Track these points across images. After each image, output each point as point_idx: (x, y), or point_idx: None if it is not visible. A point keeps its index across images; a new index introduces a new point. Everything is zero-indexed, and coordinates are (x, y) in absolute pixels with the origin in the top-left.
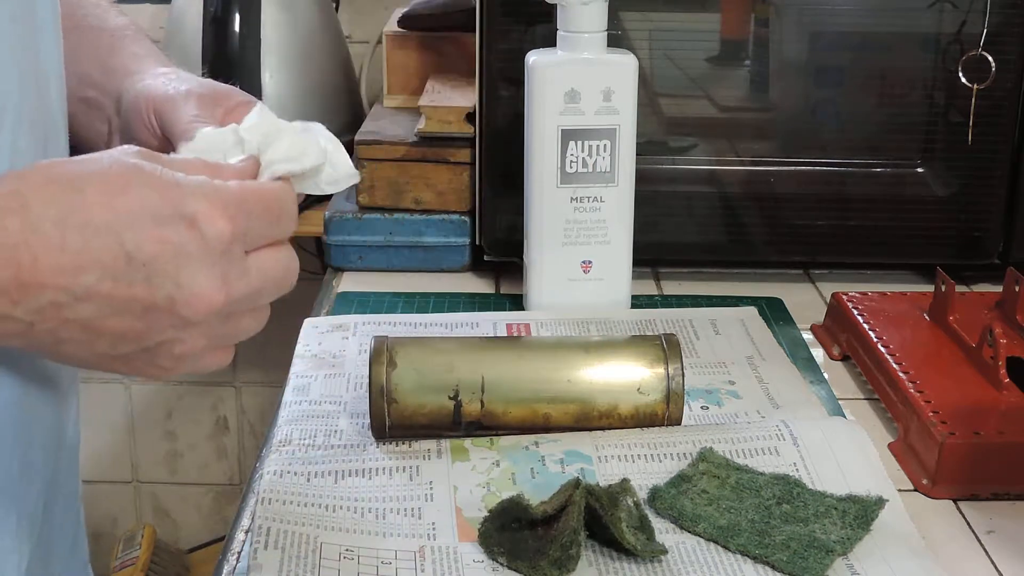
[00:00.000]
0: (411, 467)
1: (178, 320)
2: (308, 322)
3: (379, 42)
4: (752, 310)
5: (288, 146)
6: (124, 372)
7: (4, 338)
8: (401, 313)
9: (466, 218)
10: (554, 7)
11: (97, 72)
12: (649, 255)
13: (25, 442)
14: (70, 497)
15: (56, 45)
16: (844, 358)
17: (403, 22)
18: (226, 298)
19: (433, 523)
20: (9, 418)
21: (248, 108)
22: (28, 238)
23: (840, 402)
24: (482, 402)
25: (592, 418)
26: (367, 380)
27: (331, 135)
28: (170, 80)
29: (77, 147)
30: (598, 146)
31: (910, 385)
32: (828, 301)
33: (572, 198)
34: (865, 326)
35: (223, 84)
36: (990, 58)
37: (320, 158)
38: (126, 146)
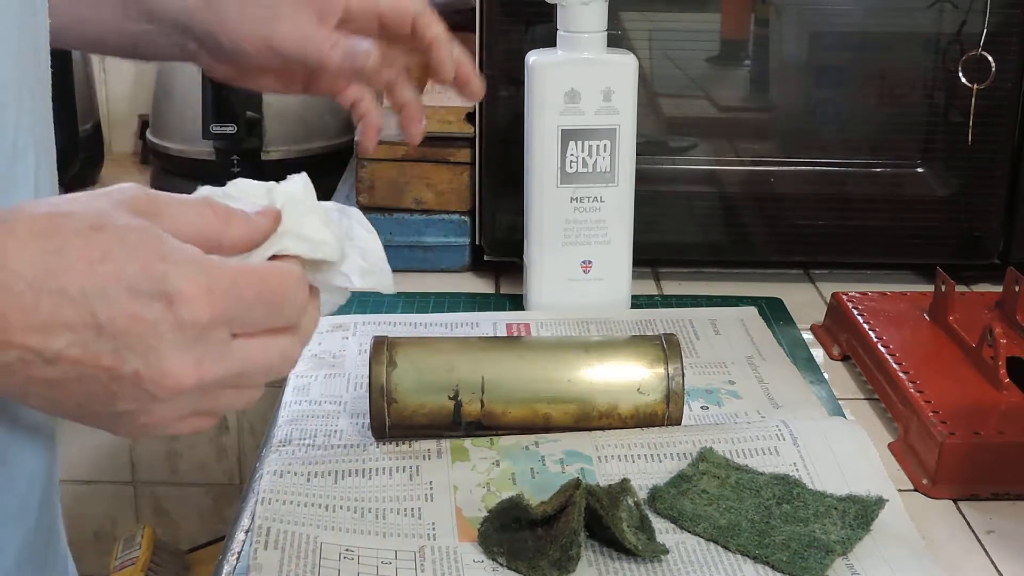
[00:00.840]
0: (411, 467)
1: (144, 395)
2: None
3: None
4: (752, 310)
5: (309, 228)
6: (92, 426)
7: None
8: (401, 313)
9: (466, 218)
10: (554, 7)
11: (133, 8)
12: (649, 255)
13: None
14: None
15: (46, 21)
16: (844, 358)
17: None
18: (197, 381)
19: (433, 523)
20: None
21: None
22: (1, 296)
23: (840, 402)
24: (482, 402)
25: (592, 418)
26: (367, 380)
27: (368, 224)
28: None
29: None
30: (598, 146)
31: (910, 385)
32: (828, 301)
33: (572, 198)
34: (865, 326)
35: None
36: (990, 58)
37: (336, 255)
38: (126, 189)
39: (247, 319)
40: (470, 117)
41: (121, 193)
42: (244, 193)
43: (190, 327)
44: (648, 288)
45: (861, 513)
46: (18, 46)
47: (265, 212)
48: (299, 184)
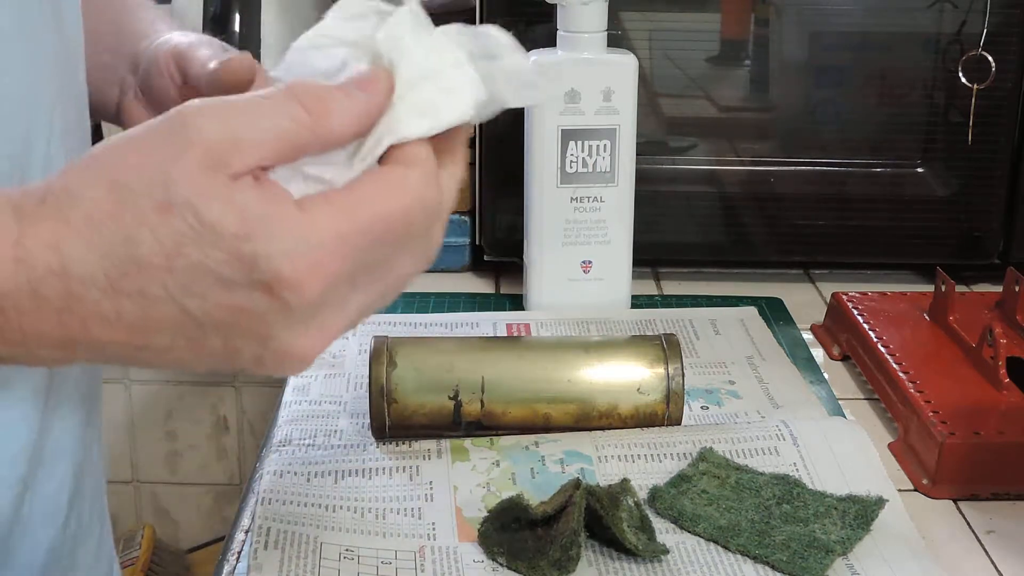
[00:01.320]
0: (411, 467)
1: (269, 368)
2: None
3: None
4: (752, 310)
5: (432, 87)
6: None
7: (54, 363)
8: (401, 313)
9: (466, 218)
10: (554, 7)
11: (110, 34)
12: (649, 255)
13: (48, 430)
14: (96, 491)
15: (80, 38)
16: (844, 358)
17: None
18: (325, 346)
19: (433, 523)
20: (33, 408)
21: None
22: (72, 305)
23: (840, 402)
24: (482, 402)
25: (592, 418)
26: (367, 380)
27: (510, 38)
28: (190, 36)
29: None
30: (598, 146)
31: (910, 385)
32: (828, 301)
33: (572, 198)
34: (865, 326)
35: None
36: (990, 58)
37: (471, 111)
38: (189, 125)
39: (370, 262)
40: None
41: (184, 135)
42: (340, 29)
43: (302, 309)
44: (648, 288)
45: (861, 513)
46: (55, 61)
47: (372, 82)
48: (406, 21)
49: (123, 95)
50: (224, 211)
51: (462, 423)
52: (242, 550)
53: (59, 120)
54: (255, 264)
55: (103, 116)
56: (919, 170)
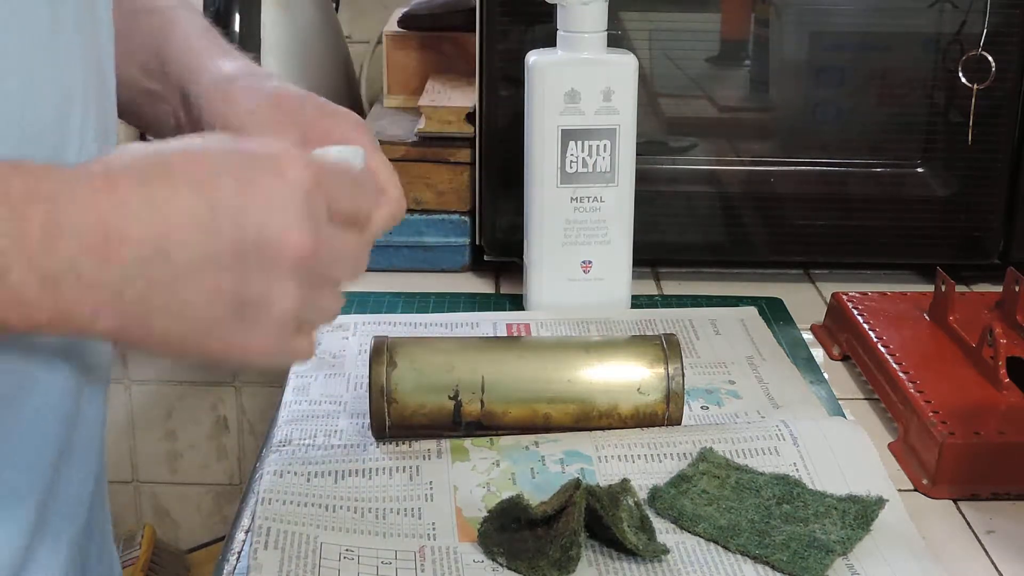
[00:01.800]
0: (411, 467)
1: (268, 265)
2: None
3: (379, 42)
4: (752, 310)
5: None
6: (221, 352)
7: (96, 315)
8: (401, 313)
9: (466, 218)
10: (554, 7)
11: (155, 63)
12: (649, 255)
13: (69, 431)
14: (102, 490)
15: (111, 38)
16: (844, 358)
17: (403, 22)
18: (314, 245)
19: (433, 523)
20: (63, 408)
21: (323, 124)
22: (117, 208)
23: (840, 402)
24: (482, 402)
25: (592, 418)
26: (367, 380)
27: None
28: (239, 99)
29: (146, 136)
30: (598, 146)
31: (910, 385)
32: (828, 301)
33: (572, 198)
34: (865, 326)
35: (294, 93)
36: (990, 58)
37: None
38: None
39: (339, 193)
40: (470, 117)
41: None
42: None
43: (298, 185)
44: (648, 288)
45: (861, 513)
46: (84, 58)
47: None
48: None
49: (179, 130)
50: (240, 139)
51: (462, 423)
52: (242, 550)
53: (92, 119)
54: (264, 149)
55: (158, 137)
56: (919, 170)
